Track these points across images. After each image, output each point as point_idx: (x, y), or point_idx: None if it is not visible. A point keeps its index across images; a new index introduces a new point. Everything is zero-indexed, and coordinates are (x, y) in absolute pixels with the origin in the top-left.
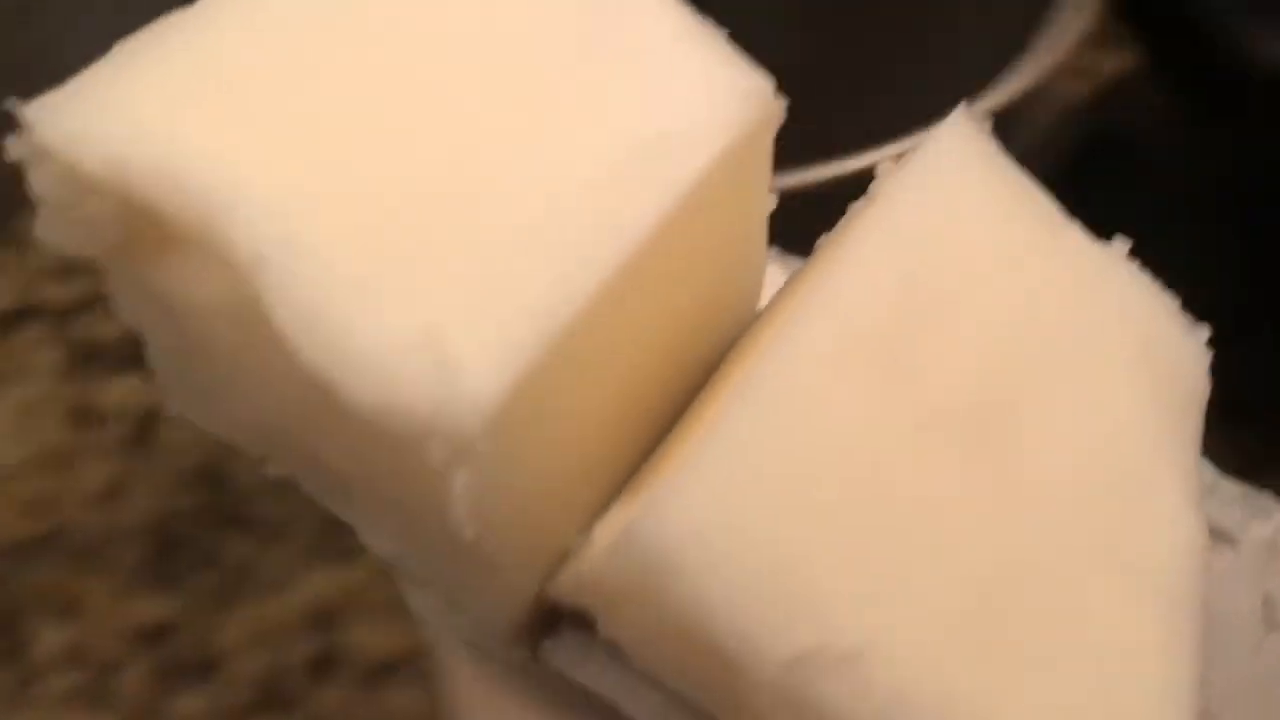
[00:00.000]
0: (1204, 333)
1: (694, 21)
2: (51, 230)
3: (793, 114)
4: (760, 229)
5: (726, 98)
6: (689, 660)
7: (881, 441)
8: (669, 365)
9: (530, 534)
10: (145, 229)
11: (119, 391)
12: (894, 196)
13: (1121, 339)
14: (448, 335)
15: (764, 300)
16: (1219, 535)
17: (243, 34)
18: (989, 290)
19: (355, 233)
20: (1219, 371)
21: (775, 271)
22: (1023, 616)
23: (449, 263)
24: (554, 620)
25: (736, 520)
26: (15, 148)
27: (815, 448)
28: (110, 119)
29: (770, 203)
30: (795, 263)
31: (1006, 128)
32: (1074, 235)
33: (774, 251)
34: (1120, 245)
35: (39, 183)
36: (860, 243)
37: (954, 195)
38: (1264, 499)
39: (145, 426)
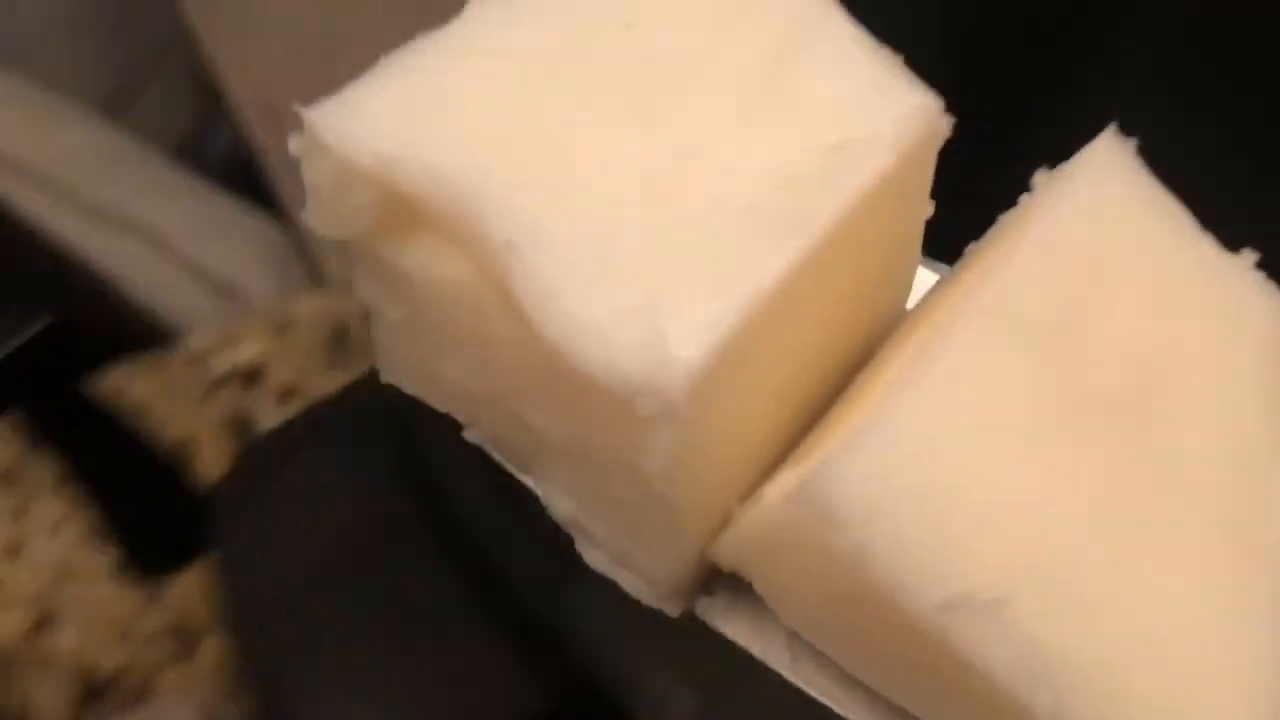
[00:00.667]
0: None
1: (874, 45)
2: (318, 217)
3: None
4: (918, 232)
5: (903, 112)
6: (841, 609)
7: (1034, 420)
8: (833, 349)
9: (708, 492)
10: (401, 216)
11: None
12: (1049, 205)
13: (1246, 340)
14: (660, 310)
15: (912, 301)
16: None
17: (487, 53)
18: (1132, 291)
19: (585, 223)
20: None
21: (921, 274)
22: (1150, 581)
23: (662, 248)
24: (711, 580)
25: (901, 480)
26: (295, 143)
27: (975, 421)
28: (379, 121)
29: (929, 209)
30: (938, 267)
31: None
32: (1207, 245)
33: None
34: (1248, 256)
35: (312, 175)
36: (1019, 247)
37: (1102, 206)
38: None
39: None
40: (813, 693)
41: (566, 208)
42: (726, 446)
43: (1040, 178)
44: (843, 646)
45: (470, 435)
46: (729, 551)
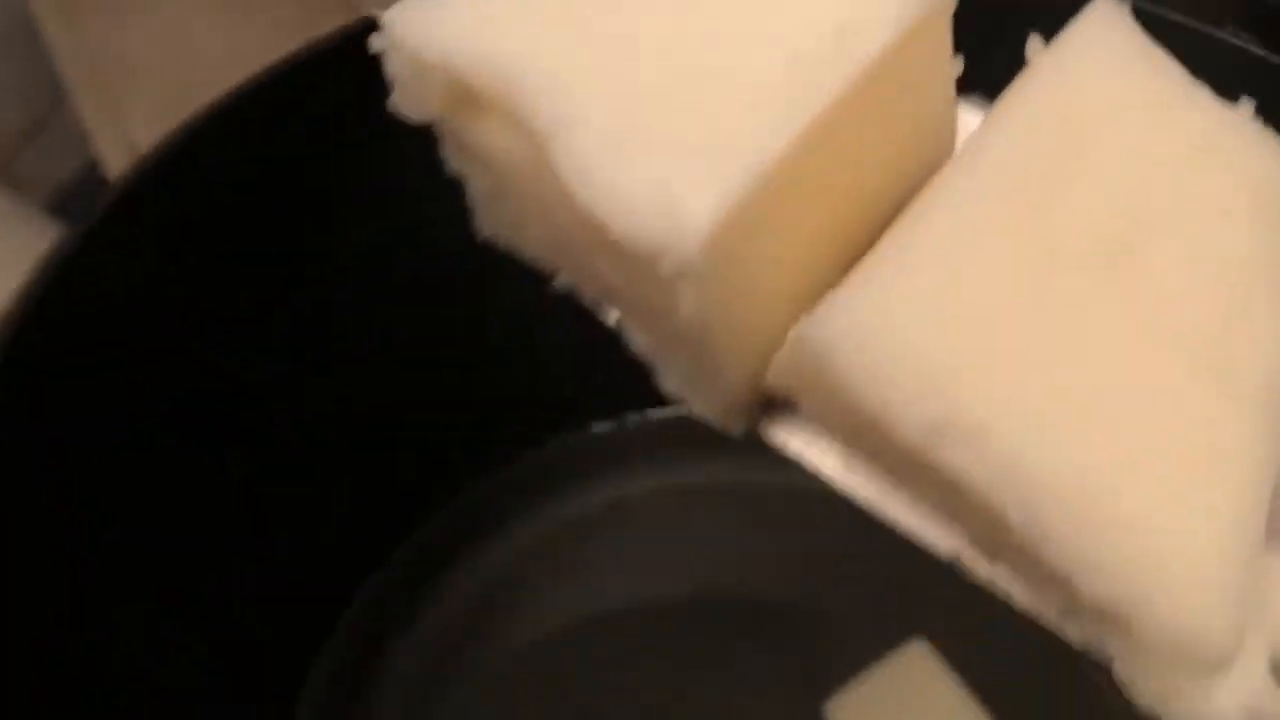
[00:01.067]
0: None
1: None
2: (400, 102)
3: None
4: (946, 90)
5: None
6: (856, 433)
7: (1016, 269)
8: (866, 202)
9: (744, 335)
10: (466, 102)
11: None
12: (1038, 68)
13: (1243, 188)
14: (677, 181)
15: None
16: None
17: None
18: (1121, 145)
19: (615, 108)
20: None
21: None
22: (1129, 410)
23: (680, 127)
24: (770, 402)
25: (883, 321)
26: (376, 40)
27: (957, 272)
28: (443, 19)
29: (957, 67)
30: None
31: None
32: (1203, 98)
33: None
34: (1246, 105)
35: (392, 67)
36: (1006, 107)
37: (1090, 65)
38: None
39: None
40: (859, 499)
41: (600, 92)
42: (756, 294)
43: (1034, 46)
44: (870, 461)
45: (558, 283)
46: (773, 381)
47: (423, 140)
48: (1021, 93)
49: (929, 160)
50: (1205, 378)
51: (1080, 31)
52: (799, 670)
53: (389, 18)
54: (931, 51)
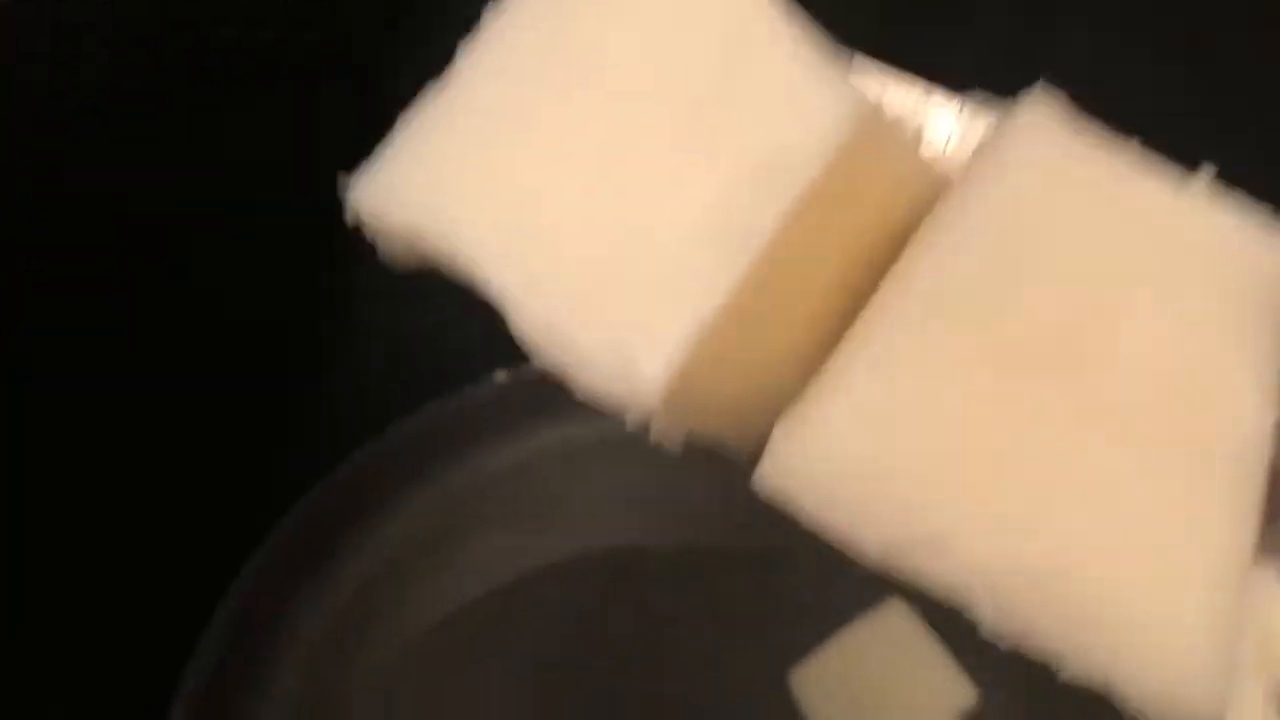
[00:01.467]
0: None
1: (806, 40)
2: (386, 258)
3: None
4: (911, 167)
5: (826, 116)
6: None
7: (968, 375)
8: (853, 266)
9: (730, 422)
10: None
11: None
12: (980, 173)
13: (1197, 261)
14: (626, 344)
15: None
16: None
17: (472, 113)
18: (1067, 234)
19: (564, 273)
20: None
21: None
22: (1096, 497)
23: (625, 286)
24: None
25: (829, 450)
26: (349, 213)
27: (908, 394)
28: (393, 192)
29: (917, 149)
30: None
31: None
32: (1153, 181)
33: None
34: (1206, 171)
35: (367, 232)
36: (950, 217)
37: (1032, 166)
38: None
39: None
40: None
41: (547, 257)
42: (727, 405)
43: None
44: None
45: None
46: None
47: None
48: (961, 195)
49: (914, 199)
50: (1175, 450)
51: (1018, 126)
52: (766, 632)
53: (352, 191)
54: (875, 147)
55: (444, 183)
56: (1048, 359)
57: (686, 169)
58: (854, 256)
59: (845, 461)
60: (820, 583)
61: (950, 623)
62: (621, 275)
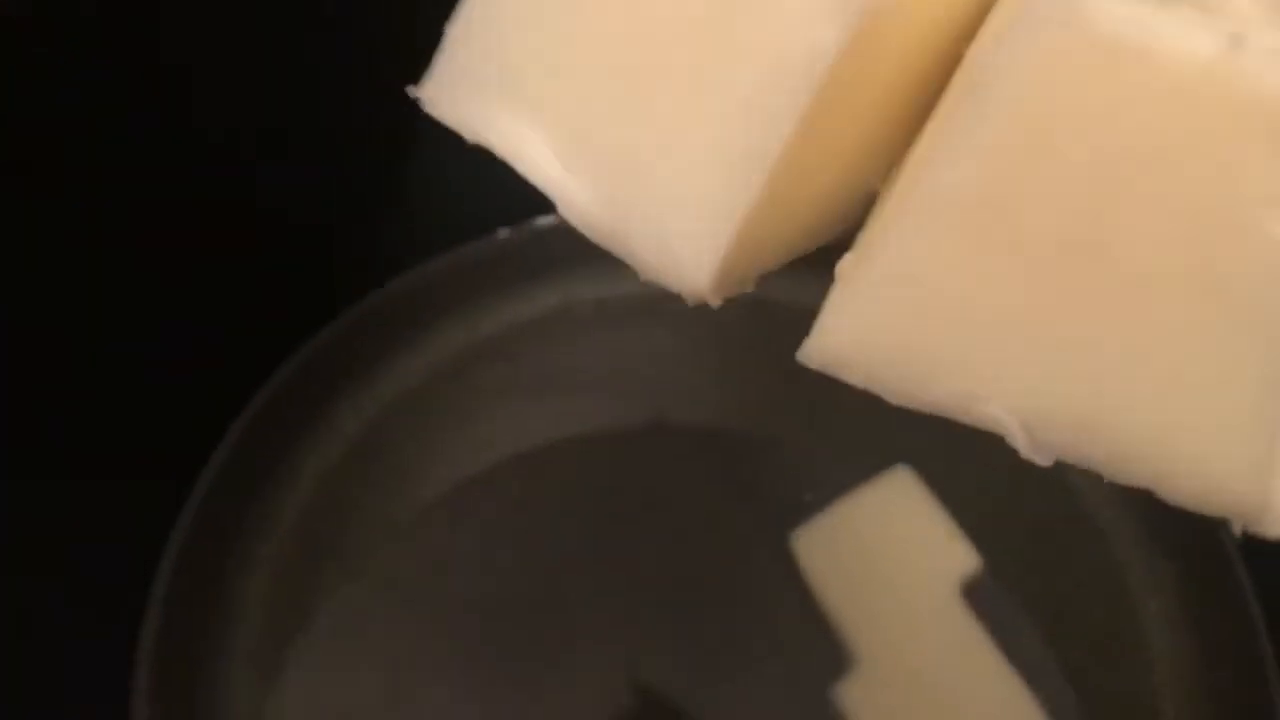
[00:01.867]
0: None
1: None
2: None
3: None
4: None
5: None
6: None
7: (995, 252)
8: (894, 113)
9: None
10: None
11: None
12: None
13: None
14: (673, 242)
15: None
16: None
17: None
18: (1113, 102)
19: (609, 172)
20: None
21: None
22: (1132, 351)
23: (663, 181)
24: None
25: (877, 328)
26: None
27: (938, 267)
28: (455, 98)
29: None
30: None
31: None
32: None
33: None
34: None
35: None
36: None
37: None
38: None
39: None
40: None
41: (593, 159)
42: (780, 250)
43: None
44: None
45: None
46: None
47: None
48: (983, 89)
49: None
50: (1209, 307)
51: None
52: (768, 501)
53: (424, 99)
54: (904, 24)
55: (513, 75)
56: (1090, 222)
57: (715, 45)
58: (908, 71)
59: (891, 333)
60: (822, 455)
61: (955, 490)
62: (657, 169)
